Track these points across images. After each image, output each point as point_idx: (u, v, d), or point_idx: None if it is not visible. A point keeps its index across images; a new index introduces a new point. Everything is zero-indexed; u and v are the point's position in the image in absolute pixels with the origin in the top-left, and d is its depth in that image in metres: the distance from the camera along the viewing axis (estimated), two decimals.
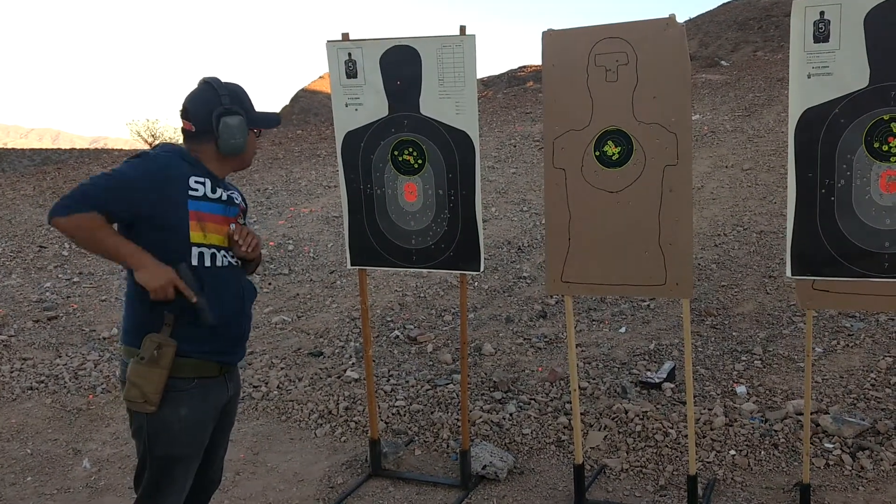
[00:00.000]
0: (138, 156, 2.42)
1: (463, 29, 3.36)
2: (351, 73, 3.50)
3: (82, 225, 2.27)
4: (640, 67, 3.14)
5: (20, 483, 3.95)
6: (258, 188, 11.31)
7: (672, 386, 4.65)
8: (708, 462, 3.82)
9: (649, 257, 3.26)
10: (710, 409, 4.26)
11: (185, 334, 2.41)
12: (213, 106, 2.47)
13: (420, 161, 3.48)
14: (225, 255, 2.51)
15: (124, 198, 2.32)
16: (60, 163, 18.60)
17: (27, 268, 8.49)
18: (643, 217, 3.24)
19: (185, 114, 2.51)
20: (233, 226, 2.53)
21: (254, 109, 2.59)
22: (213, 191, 2.49)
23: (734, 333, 5.46)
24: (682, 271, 3.24)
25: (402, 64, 3.41)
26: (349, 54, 3.48)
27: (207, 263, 2.45)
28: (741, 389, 4.54)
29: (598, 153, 3.27)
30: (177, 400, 2.42)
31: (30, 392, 5.11)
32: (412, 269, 3.69)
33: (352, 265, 3.70)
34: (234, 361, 2.60)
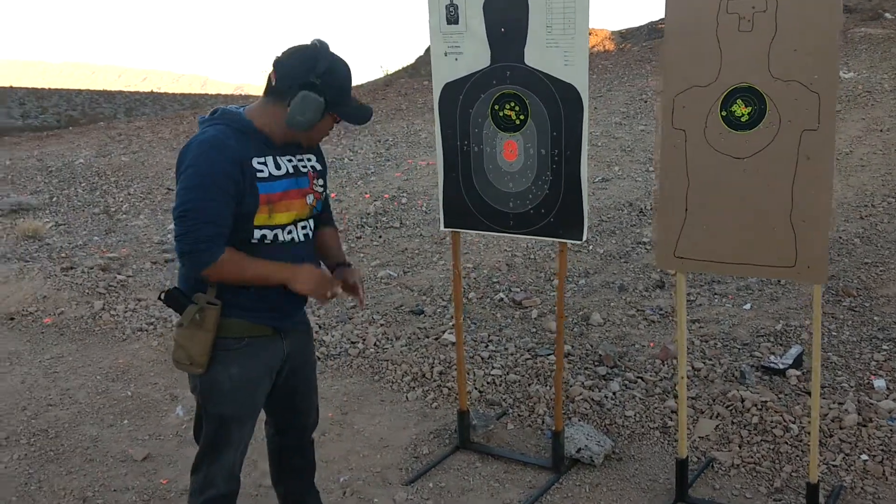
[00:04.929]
0: (205, 145, 2.25)
1: None
2: (452, 18, 3.22)
3: (224, 269, 2.25)
4: (780, 15, 2.71)
5: (117, 425, 4.03)
6: (379, 139, 11.26)
7: (798, 374, 4.19)
8: (834, 465, 3.40)
9: (778, 235, 2.86)
10: (840, 405, 3.80)
11: (231, 299, 2.32)
12: (303, 73, 2.29)
13: (522, 117, 3.17)
14: (290, 232, 2.41)
15: (228, 209, 2.24)
16: (206, 107, 19.42)
17: (154, 209, 8.82)
18: (774, 188, 2.83)
19: (277, 64, 2.34)
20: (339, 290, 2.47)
21: (347, 95, 2.38)
22: (277, 167, 2.36)
23: (876, 318, 4.89)
24: (817, 253, 2.82)
25: (506, 9, 3.09)
26: None
27: (268, 241, 2.36)
28: (880, 383, 4.04)
29: (724, 113, 2.87)
30: (226, 359, 2.36)
31: (139, 333, 5.24)
32: (507, 235, 3.42)
33: (444, 227, 3.47)
34: (285, 327, 2.50)
